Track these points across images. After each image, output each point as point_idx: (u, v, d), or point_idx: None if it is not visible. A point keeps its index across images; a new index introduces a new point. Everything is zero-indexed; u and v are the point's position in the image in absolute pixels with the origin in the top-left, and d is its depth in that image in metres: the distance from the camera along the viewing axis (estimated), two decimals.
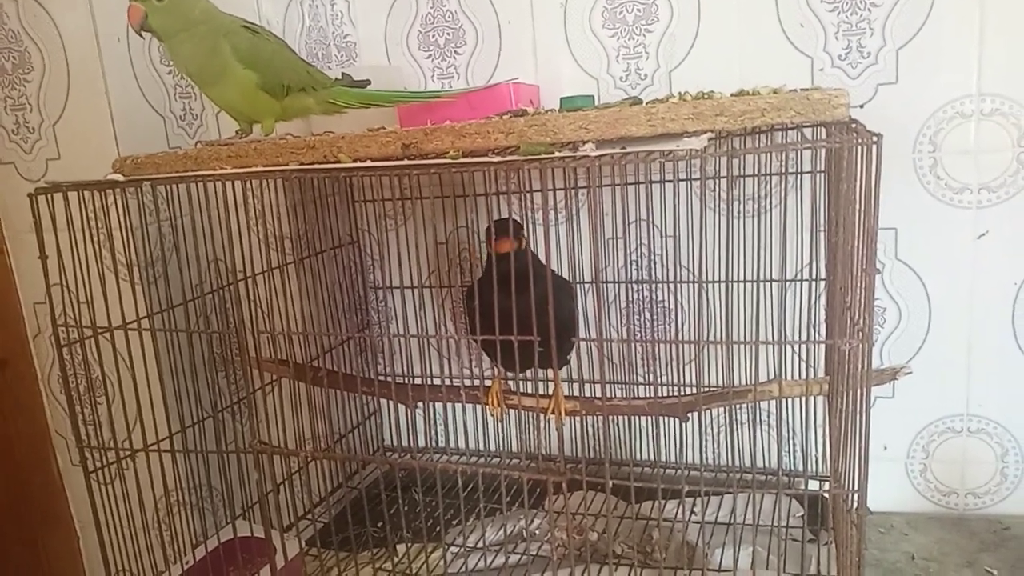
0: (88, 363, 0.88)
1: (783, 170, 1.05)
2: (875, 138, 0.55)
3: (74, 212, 0.80)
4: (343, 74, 0.93)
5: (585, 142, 0.68)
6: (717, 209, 1.09)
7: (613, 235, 1.14)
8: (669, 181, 1.07)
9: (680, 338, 1.13)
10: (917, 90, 1.00)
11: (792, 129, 0.92)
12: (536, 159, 0.66)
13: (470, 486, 1.09)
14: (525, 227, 0.93)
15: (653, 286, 1.15)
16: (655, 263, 1.14)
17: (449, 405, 1.22)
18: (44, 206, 0.79)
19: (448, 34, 1.18)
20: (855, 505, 0.63)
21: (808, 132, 0.95)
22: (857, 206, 0.58)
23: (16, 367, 1.05)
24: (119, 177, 0.81)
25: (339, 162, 0.74)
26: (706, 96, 0.70)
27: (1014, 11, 0.95)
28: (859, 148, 0.57)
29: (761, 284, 1.02)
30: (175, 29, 0.83)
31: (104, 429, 0.89)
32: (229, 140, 0.85)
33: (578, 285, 1.11)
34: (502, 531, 1.01)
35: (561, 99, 0.95)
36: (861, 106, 1.02)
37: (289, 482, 1.08)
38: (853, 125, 0.63)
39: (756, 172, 1.06)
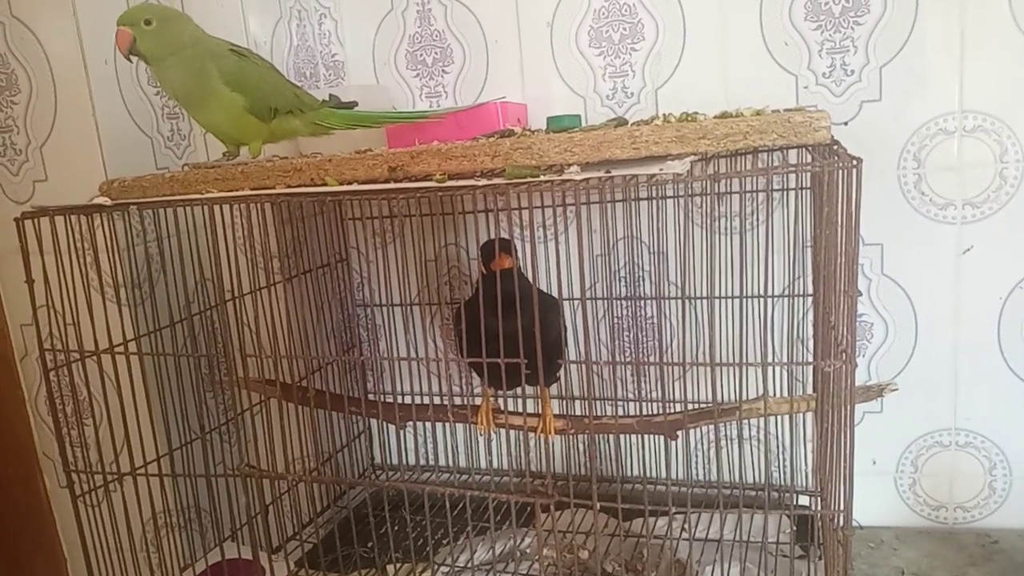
0: (75, 387, 0.88)
1: (768, 187, 1.05)
2: (855, 161, 0.56)
3: (61, 235, 0.80)
4: (330, 96, 0.94)
5: (570, 165, 0.69)
6: (704, 226, 1.09)
7: (602, 252, 1.14)
8: (655, 199, 1.08)
9: (668, 357, 1.13)
10: (901, 107, 1.01)
11: (777, 150, 0.92)
12: (521, 182, 0.67)
13: (459, 506, 1.09)
14: (513, 245, 0.93)
15: (643, 302, 1.15)
16: (643, 280, 1.14)
17: (439, 424, 1.22)
18: (30, 230, 0.79)
19: (436, 53, 1.18)
20: (841, 524, 0.63)
21: (793, 152, 0.96)
22: (838, 228, 0.59)
23: (3, 389, 1.05)
24: (106, 201, 0.81)
25: (326, 185, 0.74)
26: (690, 118, 0.71)
27: (994, 28, 0.96)
28: (839, 171, 0.58)
29: (747, 300, 1.02)
30: (163, 53, 0.83)
31: (92, 452, 0.89)
32: (216, 163, 0.85)
33: (565, 302, 1.12)
34: (491, 551, 1.01)
35: (548, 119, 0.96)
36: (846, 123, 1.03)
37: (278, 503, 1.07)
38: (835, 147, 0.64)
39: (741, 189, 1.07)
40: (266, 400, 1.04)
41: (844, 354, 0.59)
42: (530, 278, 0.84)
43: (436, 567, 0.99)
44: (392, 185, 0.72)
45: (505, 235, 1.05)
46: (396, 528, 1.11)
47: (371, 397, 1.25)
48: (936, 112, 1.00)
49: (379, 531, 1.07)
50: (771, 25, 1.03)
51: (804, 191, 1.03)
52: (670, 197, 1.09)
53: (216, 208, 0.80)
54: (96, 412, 1.00)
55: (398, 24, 1.19)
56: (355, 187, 0.73)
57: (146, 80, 1.00)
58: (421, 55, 1.19)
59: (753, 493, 1.12)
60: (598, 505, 0.68)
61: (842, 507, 0.62)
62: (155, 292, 0.96)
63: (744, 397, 0.82)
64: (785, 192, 1.05)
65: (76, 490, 0.86)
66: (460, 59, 1.17)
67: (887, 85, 1.01)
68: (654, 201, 1.09)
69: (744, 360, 0.97)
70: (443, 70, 1.19)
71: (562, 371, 0.98)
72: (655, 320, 1.15)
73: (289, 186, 0.76)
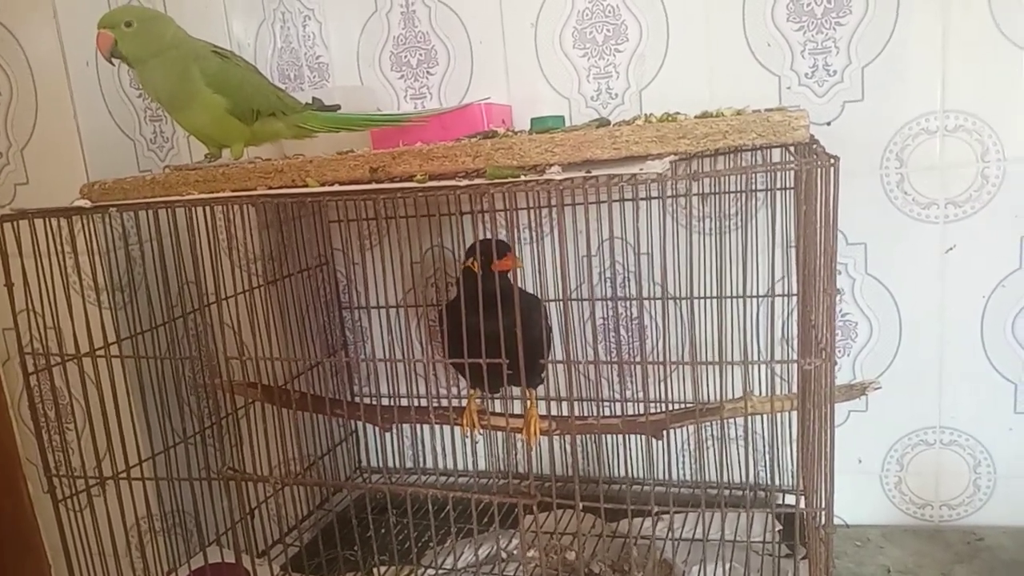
0: (55, 390, 0.87)
1: (750, 188, 1.06)
2: (832, 160, 0.56)
3: (42, 238, 0.80)
4: (313, 98, 0.93)
5: (551, 165, 0.69)
6: (689, 227, 1.09)
7: (588, 253, 1.14)
8: (637, 199, 1.08)
9: (655, 358, 1.13)
10: (883, 107, 1.01)
11: (759, 149, 0.93)
12: (502, 183, 0.67)
13: (446, 508, 1.08)
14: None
15: (628, 303, 1.16)
16: (629, 280, 1.14)
17: (426, 425, 1.22)
18: (10, 233, 0.78)
19: (420, 54, 1.18)
20: (823, 521, 0.63)
21: (776, 151, 0.96)
22: (817, 227, 0.59)
23: None
24: (86, 203, 0.80)
25: (307, 186, 0.74)
26: (670, 118, 0.71)
27: (975, 29, 0.97)
28: (818, 170, 0.58)
29: (732, 300, 1.03)
30: (145, 55, 0.83)
31: (74, 456, 0.88)
32: (197, 164, 0.84)
33: (551, 303, 1.12)
34: (475, 553, 1.01)
35: (532, 120, 0.96)
36: (828, 123, 1.03)
37: (264, 507, 1.07)
38: (814, 146, 0.64)
39: (725, 190, 1.07)
40: (251, 404, 1.04)
41: (824, 352, 0.59)
42: (511, 279, 0.84)
43: (423, 570, 0.99)
44: (374, 186, 0.71)
45: (488, 235, 1.04)
46: (383, 531, 1.11)
47: (356, 400, 1.25)
48: (918, 112, 1.00)
49: (365, 534, 1.07)
50: (754, 26, 1.04)
51: (789, 191, 1.03)
52: (655, 198, 1.09)
53: (198, 210, 0.80)
54: (78, 416, 0.99)
55: (382, 26, 1.19)
56: (336, 188, 0.72)
57: (128, 82, 0.99)
58: (406, 56, 1.19)
59: (739, 493, 1.12)
60: (581, 505, 0.68)
61: (824, 504, 0.62)
62: (138, 296, 0.96)
63: (728, 397, 0.83)
64: (769, 192, 1.05)
65: (58, 495, 0.85)
66: (445, 60, 1.17)
67: (869, 85, 1.01)
68: (640, 203, 1.09)
69: (727, 359, 0.97)
70: (428, 71, 1.19)
71: (547, 372, 0.98)
72: (642, 320, 1.15)
73: (270, 187, 0.76)
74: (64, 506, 0.86)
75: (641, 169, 0.62)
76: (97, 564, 0.89)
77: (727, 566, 0.94)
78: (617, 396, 1.16)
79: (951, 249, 1.03)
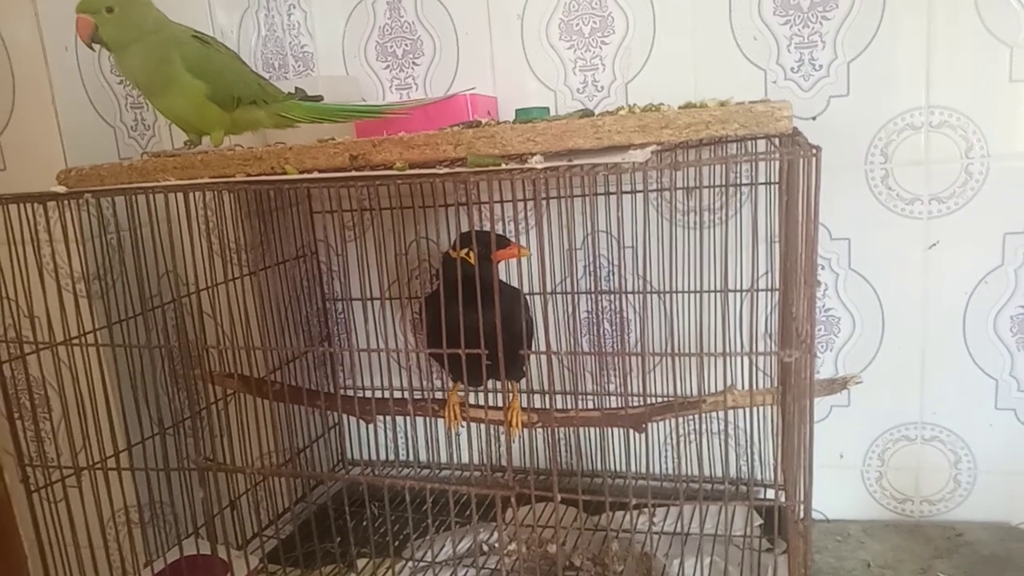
0: (30, 379, 0.86)
1: (736, 182, 1.05)
2: (815, 150, 0.56)
3: (18, 224, 0.79)
4: (296, 88, 0.92)
5: (533, 154, 0.68)
6: (673, 221, 1.09)
7: (571, 246, 1.14)
8: (620, 193, 1.08)
9: (636, 349, 1.13)
10: (868, 102, 1.01)
11: (744, 140, 0.93)
12: (483, 171, 0.66)
13: (429, 500, 1.08)
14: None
15: (612, 297, 1.15)
16: (613, 274, 1.14)
17: (409, 418, 1.21)
18: None
19: (406, 45, 1.17)
20: (801, 515, 0.63)
21: (762, 143, 0.96)
22: (799, 218, 0.58)
23: None
24: (61, 189, 0.79)
25: (286, 173, 0.73)
26: (654, 109, 0.70)
27: (960, 24, 0.97)
28: (800, 160, 0.57)
29: (713, 295, 1.02)
30: (126, 40, 0.81)
31: (51, 447, 0.87)
32: (176, 151, 0.83)
33: (535, 296, 1.11)
34: (453, 545, 1.00)
35: (516, 111, 0.95)
36: (814, 118, 1.03)
37: (246, 498, 1.06)
38: (796, 137, 0.64)
39: (709, 184, 1.06)
40: (232, 395, 1.03)
41: (804, 344, 0.59)
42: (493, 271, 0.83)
43: (404, 563, 0.98)
44: (353, 173, 0.71)
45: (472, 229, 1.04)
46: (363, 524, 1.10)
47: (341, 392, 1.24)
48: (903, 107, 1.00)
49: (344, 527, 1.06)
50: (740, 19, 1.03)
51: (772, 186, 1.03)
52: (638, 191, 1.09)
53: (177, 197, 0.79)
54: (55, 405, 0.98)
55: (368, 15, 1.18)
56: (315, 175, 0.72)
57: (109, 68, 0.98)
58: (391, 47, 1.18)
59: (720, 487, 1.12)
60: (559, 497, 0.68)
61: (802, 498, 0.62)
62: (116, 284, 0.95)
63: (711, 391, 0.82)
64: (752, 187, 1.05)
65: (31, 485, 0.84)
66: (430, 51, 1.17)
67: (855, 80, 1.01)
68: (623, 196, 1.08)
69: (705, 350, 0.97)
70: (413, 62, 1.18)
71: (530, 365, 0.97)
72: (626, 314, 1.15)
73: (249, 175, 0.75)
74: (39, 496, 0.85)
75: (623, 158, 0.62)
76: (72, 556, 0.88)
77: (707, 560, 0.94)
78: (603, 391, 1.16)
79: (934, 245, 1.03)
